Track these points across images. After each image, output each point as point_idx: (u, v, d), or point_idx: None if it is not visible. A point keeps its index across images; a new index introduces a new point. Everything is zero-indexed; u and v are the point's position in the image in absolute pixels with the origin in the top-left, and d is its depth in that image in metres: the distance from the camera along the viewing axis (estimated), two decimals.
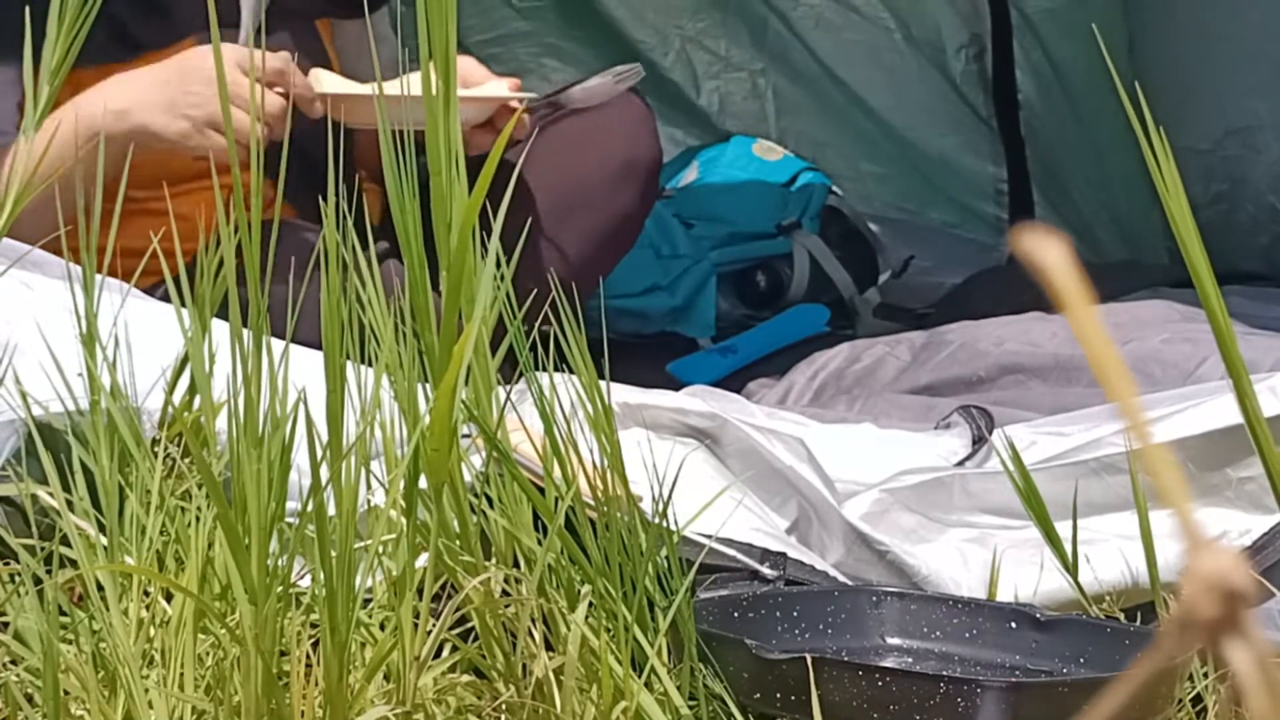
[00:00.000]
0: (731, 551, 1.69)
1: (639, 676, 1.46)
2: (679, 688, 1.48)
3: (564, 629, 1.44)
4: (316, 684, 1.40)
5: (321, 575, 1.36)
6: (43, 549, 1.56)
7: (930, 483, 2.01)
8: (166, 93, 2.15)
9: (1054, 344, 2.55)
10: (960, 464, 2.18)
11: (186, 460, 1.65)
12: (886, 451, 2.20)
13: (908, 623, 1.64)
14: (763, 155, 3.45)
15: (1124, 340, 2.47)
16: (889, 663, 1.64)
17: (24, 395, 1.72)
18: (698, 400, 2.01)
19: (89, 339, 1.72)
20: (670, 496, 1.54)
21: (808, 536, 1.87)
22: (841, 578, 1.75)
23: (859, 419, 2.42)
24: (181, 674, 1.47)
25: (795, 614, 1.67)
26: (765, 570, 1.69)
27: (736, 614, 1.60)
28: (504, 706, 1.49)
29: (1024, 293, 2.52)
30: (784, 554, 1.71)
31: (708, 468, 1.85)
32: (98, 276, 1.77)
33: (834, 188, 3.45)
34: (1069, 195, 3.48)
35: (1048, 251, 0.52)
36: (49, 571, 1.51)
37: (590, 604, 1.48)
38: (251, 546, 1.33)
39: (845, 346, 2.81)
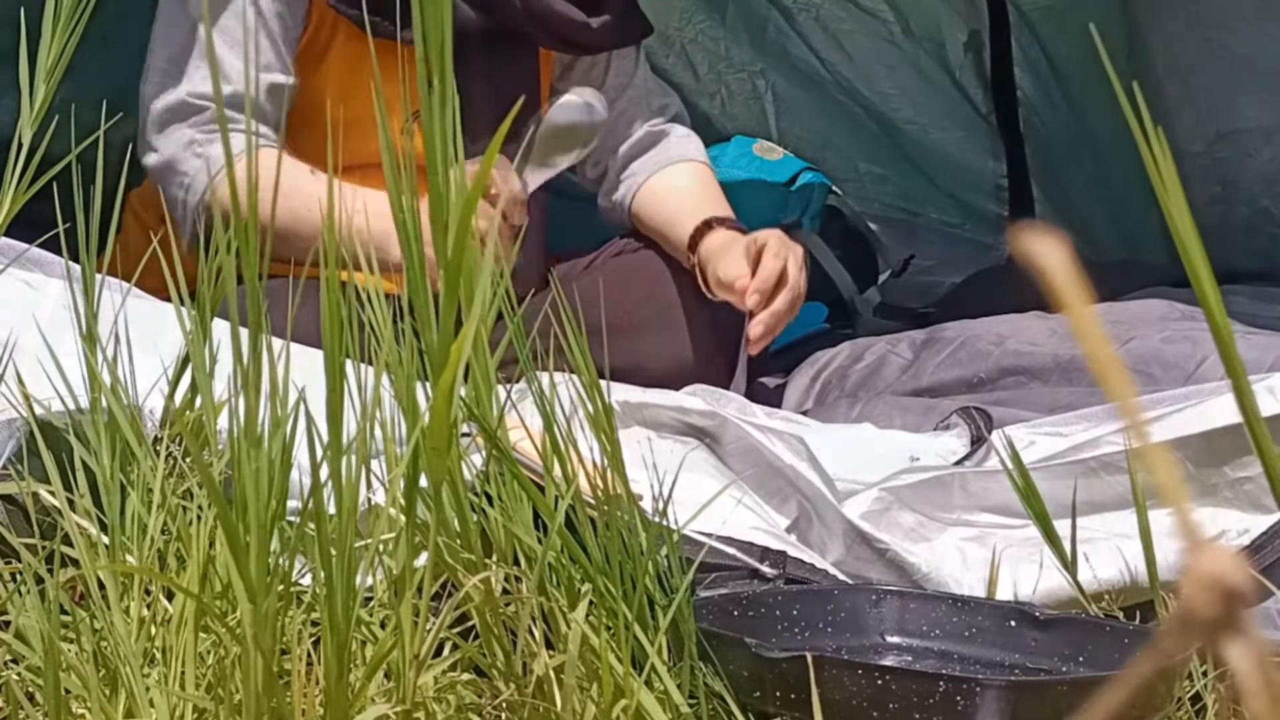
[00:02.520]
0: (732, 550, 1.69)
1: (639, 675, 1.46)
2: (679, 686, 1.49)
3: (564, 627, 1.45)
4: (317, 682, 1.40)
5: (322, 574, 1.36)
6: (44, 548, 1.57)
7: (930, 481, 2.02)
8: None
9: (1054, 343, 2.55)
10: (959, 463, 2.19)
11: (188, 459, 1.65)
12: (886, 451, 2.20)
13: (907, 621, 1.65)
14: (763, 155, 3.45)
15: (1124, 339, 2.47)
16: (888, 661, 1.64)
17: (25, 394, 1.72)
18: (698, 399, 2.02)
19: (89, 337, 1.72)
20: (670, 495, 1.55)
21: (808, 535, 1.88)
22: (841, 576, 1.75)
23: (860, 420, 2.43)
24: (182, 673, 1.48)
25: (795, 613, 1.67)
26: (765, 569, 1.69)
27: (736, 612, 1.60)
28: (504, 705, 1.49)
29: (1024, 292, 2.52)
30: (784, 552, 1.72)
31: (708, 466, 1.85)
32: (98, 275, 1.78)
33: (834, 187, 3.45)
34: (1069, 193, 3.48)
35: (1047, 251, 0.52)
36: (50, 570, 1.52)
37: (590, 602, 1.49)
38: (251, 545, 1.34)
39: (846, 345, 2.81)
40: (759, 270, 2.38)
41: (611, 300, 2.52)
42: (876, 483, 1.97)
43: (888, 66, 3.66)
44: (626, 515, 1.47)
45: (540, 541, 1.49)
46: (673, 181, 2.65)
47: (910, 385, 2.62)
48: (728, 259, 2.42)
